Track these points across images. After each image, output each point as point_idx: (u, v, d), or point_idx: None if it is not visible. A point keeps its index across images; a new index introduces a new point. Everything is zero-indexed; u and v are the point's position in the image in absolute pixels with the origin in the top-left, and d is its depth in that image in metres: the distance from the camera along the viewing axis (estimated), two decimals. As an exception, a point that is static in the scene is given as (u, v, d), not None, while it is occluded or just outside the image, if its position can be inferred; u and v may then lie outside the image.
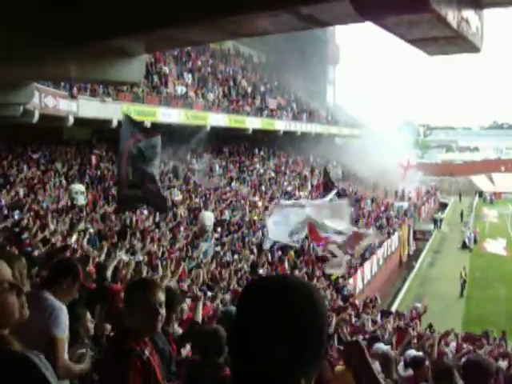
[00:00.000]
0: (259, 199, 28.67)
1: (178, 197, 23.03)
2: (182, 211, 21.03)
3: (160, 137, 9.96)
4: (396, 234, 34.13)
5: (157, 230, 17.70)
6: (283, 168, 38.34)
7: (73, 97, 19.48)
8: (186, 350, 5.29)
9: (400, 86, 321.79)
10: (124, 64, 8.48)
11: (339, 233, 15.96)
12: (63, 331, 3.45)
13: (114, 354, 2.98)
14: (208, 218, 20.22)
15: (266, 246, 19.92)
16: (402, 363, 7.45)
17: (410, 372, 6.81)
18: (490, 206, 53.29)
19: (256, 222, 23.80)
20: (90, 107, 20.64)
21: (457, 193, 60.31)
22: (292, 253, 21.36)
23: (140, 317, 2.94)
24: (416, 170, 55.23)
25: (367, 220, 33.13)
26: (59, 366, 3.36)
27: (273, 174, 35.56)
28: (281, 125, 38.00)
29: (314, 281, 19.96)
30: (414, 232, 40.69)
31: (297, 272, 19.80)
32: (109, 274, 7.02)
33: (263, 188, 31.63)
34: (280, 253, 20.82)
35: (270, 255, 19.83)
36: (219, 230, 21.00)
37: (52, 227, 12.48)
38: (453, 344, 13.64)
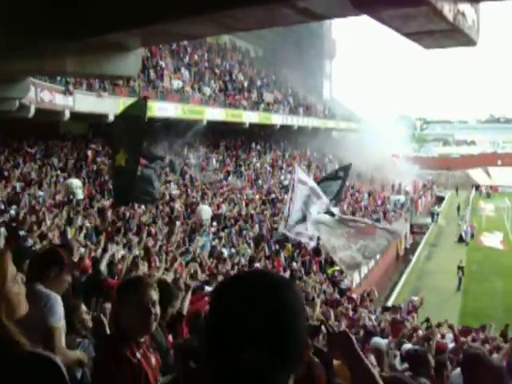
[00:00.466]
0: (256, 193, 28.70)
1: (174, 191, 23.02)
2: (178, 205, 21.04)
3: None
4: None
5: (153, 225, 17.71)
6: (280, 162, 38.35)
7: (69, 93, 19.44)
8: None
9: (396, 80, 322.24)
10: (120, 58, 8.47)
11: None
12: (59, 320, 3.45)
13: (103, 358, 2.93)
14: (205, 211, 20.22)
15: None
16: (398, 357, 7.48)
17: (406, 365, 6.83)
18: (486, 200, 53.38)
19: (254, 215, 23.81)
20: (86, 102, 20.60)
21: (453, 186, 60.45)
22: (289, 246, 21.38)
23: (132, 317, 2.89)
24: (412, 164, 55.29)
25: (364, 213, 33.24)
26: (55, 354, 3.36)
27: (269, 168, 35.57)
28: (277, 119, 37.98)
29: (311, 274, 20.00)
30: (411, 225, 40.76)
31: (294, 265, 19.85)
32: (103, 267, 7.01)
33: (260, 182, 31.65)
34: (277, 246, 20.85)
35: (266, 249, 19.84)
36: (215, 224, 21.00)
37: (48, 222, 12.47)
38: (449, 335, 13.69)
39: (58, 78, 18.85)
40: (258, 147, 38.48)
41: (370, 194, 40.69)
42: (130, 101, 22.54)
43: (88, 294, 5.39)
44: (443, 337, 13.27)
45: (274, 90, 43.13)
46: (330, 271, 21.99)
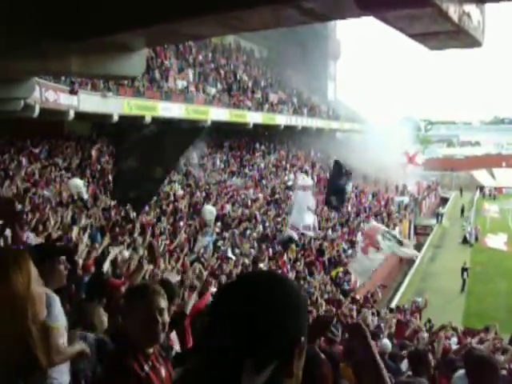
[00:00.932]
0: (260, 192, 28.73)
1: (178, 191, 23.05)
2: (182, 205, 21.05)
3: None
4: (397, 228, 34.12)
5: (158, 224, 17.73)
6: (284, 163, 38.33)
7: (74, 92, 19.47)
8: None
9: (401, 81, 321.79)
10: (125, 58, 8.47)
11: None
12: (56, 319, 3.43)
13: (109, 372, 2.85)
14: (209, 212, 20.23)
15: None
16: (405, 360, 7.43)
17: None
18: (491, 201, 53.27)
19: (257, 216, 23.83)
20: (90, 102, 20.64)
21: (458, 188, 60.31)
22: (293, 246, 21.39)
23: (139, 326, 2.76)
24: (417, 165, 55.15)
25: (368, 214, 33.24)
26: (54, 353, 3.36)
27: (273, 169, 35.56)
28: (282, 119, 37.97)
29: (315, 274, 20.03)
30: (415, 227, 40.66)
31: (298, 265, 19.89)
32: (106, 268, 7.02)
33: (264, 182, 31.65)
34: (280, 247, 20.88)
35: (270, 249, 19.87)
36: (219, 224, 21.02)
37: (52, 222, 12.48)
38: (453, 339, 13.64)
39: (63, 78, 18.89)
40: (262, 148, 38.48)
41: (374, 195, 40.66)
42: (134, 101, 22.73)
43: (91, 294, 5.39)
44: (448, 338, 13.24)
45: (279, 90, 43.11)
46: (333, 273, 22.00)
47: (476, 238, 38.06)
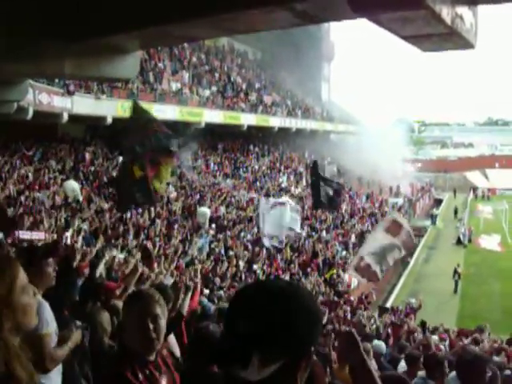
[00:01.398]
0: (254, 194, 28.69)
1: (172, 194, 23.01)
2: (176, 208, 21.03)
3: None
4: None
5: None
6: (278, 164, 38.34)
7: (70, 93, 19.40)
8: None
9: (395, 83, 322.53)
10: (119, 60, 8.46)
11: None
12: (46, 326, 3.41)
13: (103, 379, 2.83)
14: (204, 214, 20.21)
15: (266, 243, 19.65)
16: (402, 362, 7.43)
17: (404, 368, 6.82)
18: (484, 202, 53.40)
19: (253, 218, 23.82)
20: (84, 104, 20.59)
21: (451, 189, 60.42)
22: (287, 249, 21.39)
23: (133, 333, 2.74)
24: (410, 166, 55.29)
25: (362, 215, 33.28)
26: (49, 361, 3.34)
27: (268, 171, 35.56)
28: (276, 121, 38.01)
29: (309, 276, 20.03)
30: (409, 228, 40.63)
31: (292, 266, 19.87)
32: (99, 271, 7.00)
33: (258, 184, 31.64)
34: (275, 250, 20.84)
35: (265, 251, 19.84)
36: (214, 226, 21.00)
37: (46, 224, 12.47)
38: (446, 343, 13.65)
39: (56, 80, 18.83)
40: (257, 149, 38.48)
41: (368, 197, 40.73)
42: (128, 103, 22.65)
43: (84, 297, 5.38)
44: (443, 339, 13.27)
45: (273, 92, 43.16)
46: (327, 275, 22.00)
47: (469, 240, 38.16)
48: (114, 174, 20.90)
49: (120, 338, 3.77)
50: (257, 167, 35.03)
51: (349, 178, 43.64)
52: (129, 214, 17.51)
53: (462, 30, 4.89)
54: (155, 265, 9.78)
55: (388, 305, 23.57)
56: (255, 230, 22.43)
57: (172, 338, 4.97)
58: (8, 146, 19.63)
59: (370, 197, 41.12)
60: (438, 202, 55.01)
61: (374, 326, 13.86)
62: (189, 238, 18.40)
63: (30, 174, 18.20)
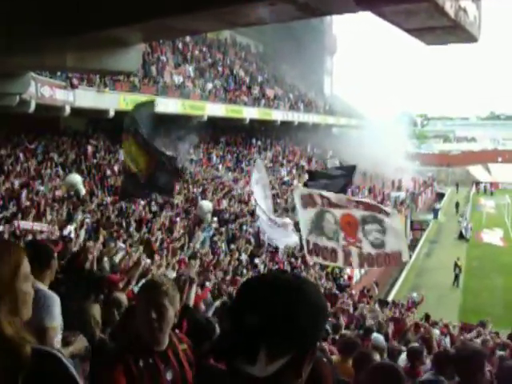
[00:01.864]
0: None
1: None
2: (179, 201, 21.03)
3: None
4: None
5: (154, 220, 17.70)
6: (280, 158, 38.30)
7: (73, 87, 19.37)
8: None
9: (397, 76, 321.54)
10: (121, 53, 8.46)
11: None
12: (54, 320, 3.42)
13: (97, 363, 2.87)
14: (206, 207, 20.18)
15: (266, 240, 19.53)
16: (403, 356, 7.44)
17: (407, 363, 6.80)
18: (486, 197, 53.37)
19: (254, 211, 23.79)
20: (86, 97, 20.55)
21: (454, 183, 60.38)
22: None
23: (139, 322, 2.73)
24: (412, 160, 55.21)
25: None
26: None
27: (270, 165, 35.51)
28: (278, 115, 37.93)
29: (310, 270, 20.01)
30: (411, 222, 40.67)
31: (293, 260, 19.85)
32: (101, 264, 7.03)
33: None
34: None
35: (266, 245, 19.84)
36: (216, 219, 20.99)
37: (49, 217, 12.48)
38: (446, 340, 13.65)
39: (59, 73, 18.81)
40: (259, 143, 38.43)
41: (370, 191, 40.67)
42: (130, 96, 22.64)
43: (87, 291, 5.38)
44: (443, 334, 13.29)
45: (275, 85, 43.05)
46: (329, 269, 21.98)
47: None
48: (116, 167, 20.94)
49: (124, 327, 3.77)
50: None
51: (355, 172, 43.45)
52: (132, 207, 17.52)
53: (466, 23, 4.86)
54: (158, 258, 9.80)
55: (389, 299, 23.60)
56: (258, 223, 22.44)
57: None
58: (10, 139, 19.62)
59: (372, 190, 41.06)
60: (441, 196, 54.98)
61: (376, 321, 13.85)
62: (191, 231, 18.39)
63: (32, 167, 18.18)
